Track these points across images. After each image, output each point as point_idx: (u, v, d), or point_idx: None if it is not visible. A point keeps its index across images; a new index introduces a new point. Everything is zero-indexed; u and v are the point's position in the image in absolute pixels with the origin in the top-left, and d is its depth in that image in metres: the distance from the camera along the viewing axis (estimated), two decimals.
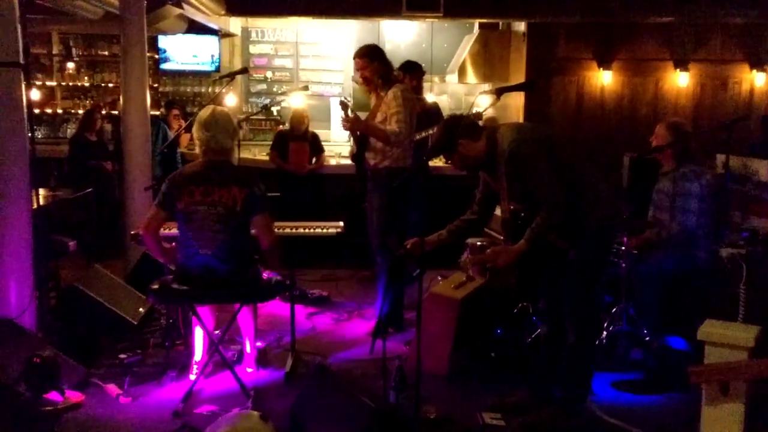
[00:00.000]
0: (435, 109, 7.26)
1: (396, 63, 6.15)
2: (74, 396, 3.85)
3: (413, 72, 6.76)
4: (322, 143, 8.07)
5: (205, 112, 4.33)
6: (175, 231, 4.54)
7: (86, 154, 8.26)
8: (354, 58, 5.61)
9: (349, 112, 5.50)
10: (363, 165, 5.63)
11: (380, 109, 5.44)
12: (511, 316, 5.08)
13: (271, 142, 8.17)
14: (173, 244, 4.44)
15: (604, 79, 9.13)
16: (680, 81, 9.10)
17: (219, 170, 4.21)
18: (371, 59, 5.44)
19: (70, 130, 9.94)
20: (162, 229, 4.65)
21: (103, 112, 10.33)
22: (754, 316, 3.95)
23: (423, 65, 7.07)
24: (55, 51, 10.36)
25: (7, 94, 4.40)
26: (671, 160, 4.96)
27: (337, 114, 5.83)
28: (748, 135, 8.36)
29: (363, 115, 5.70)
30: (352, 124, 5.49)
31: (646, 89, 9.25)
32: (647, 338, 4.83)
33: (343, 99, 5.85)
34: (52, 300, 5.29)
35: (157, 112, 9.09)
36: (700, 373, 3.37)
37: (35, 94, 9.23)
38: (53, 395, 3.64)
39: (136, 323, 5.12)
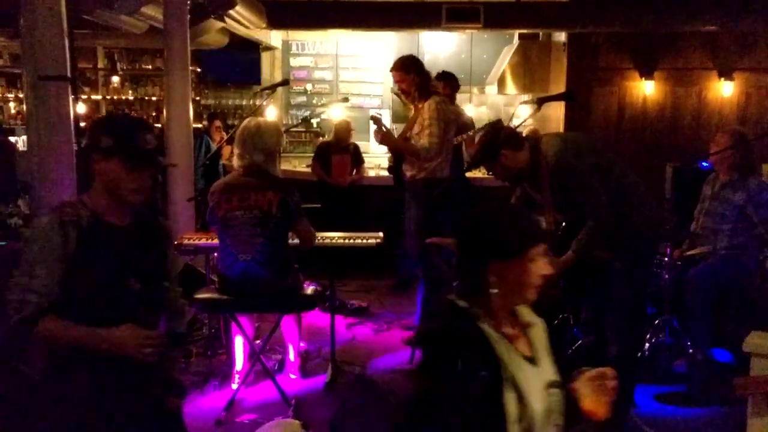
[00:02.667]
0: (471, 124, 7.23)
1: (435, 74, 6.16)
2: None
3: (448, 80, 6.72)
4: (363, 155, 8.11)
5: (249, 123, 4.38)
6: (204, 242, 4.64)
7: None
8: (391, 71, 5.63)
9: (383, 127, 5.52)
10: (401, 176, 5.64)
11: (417, 121, 5.45)
12: (552, 327, 5.03)
13: (310, 154, 8.22)
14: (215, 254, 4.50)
15: (646, 89, 9.03)
16: (724, 90, 8.97)
17: (255, 177, 4.26)
18: (407, 72, 5.45)
19: None
20: (189, 240, 4.76)
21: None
22: None
23: (461, 76, 7.05)
24: (100, 65, 10.58)
25: (55, 106, 4.47)
26: (729, 169, 4.84)
27: (374, 127, 5.86)
28: None
29: (401, 127, 5.71)
30: (383, 139, 5.52)
31: (689, 99, 9.14)
32: (690, 350, 4.75)
33: (374, 113, 5.88)
34: None
35: (200, 125, 9.20)
36: (745, 385, 3.30)
37: (81, 108, 9.38)
38: None
39: (178, 332, 5.17)
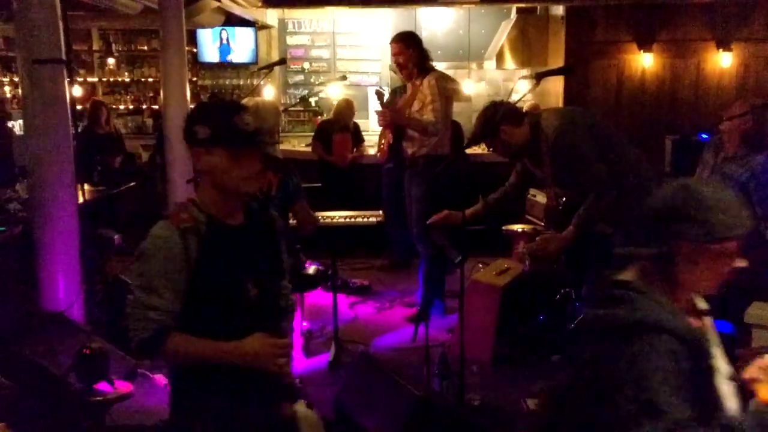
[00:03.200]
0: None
1: (433, 50, 6.13)
2: (123, 386, 3.91)
3: None
4: (363, 133, 8.09)
5: (249, 103, 4.37)
6: None
7: (92, 148, 8.17)
8: (390, 43, 5.61)
9: (386, 100, 5.51)
10: (401, 154, 5.63)
11: (417, 98, 5.43)
12: (553, 302, 5.05)
13: (309, 134, 8.19)
14: None
15: (644, 62, 8.99)
16: (723, 62, 8.92)
17: None
18: (407, 45, 5.44)
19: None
20: None
21: (144, 106, 10.49)
22: None
23: (459, 52, 6.99)
24: (95, 47, 10.51)
25: (50, 90, 4.44)
26: (739, 140, 4.68)
27: (374, 104, 5.84)
28: None
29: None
30: (391, 116, 5.49)
31: (687, 71, 9.09)
32: None
33: (378, 88, 5.86)
34: (99, 293, 5.38)
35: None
36: (748, 356, 3.31)
37: (77, 90, 9.32)
38: (103, 386, 3.70)
39: None
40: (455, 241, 4.04)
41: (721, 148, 4.82)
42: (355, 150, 7.81)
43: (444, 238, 4.09)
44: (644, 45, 8.95)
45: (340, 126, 7.65)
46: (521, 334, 4.90)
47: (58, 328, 4.19)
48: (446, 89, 5.43)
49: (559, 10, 9.21)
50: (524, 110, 4.30)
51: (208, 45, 9.92)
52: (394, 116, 5.49)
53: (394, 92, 6.64)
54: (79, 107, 6.84)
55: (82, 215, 4.71)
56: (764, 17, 8.92)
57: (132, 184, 6.90)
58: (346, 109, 7.68)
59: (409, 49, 5.43)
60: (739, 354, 3.27)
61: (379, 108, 5.63)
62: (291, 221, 4.44)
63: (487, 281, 4.88)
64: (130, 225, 6.78)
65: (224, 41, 9.85)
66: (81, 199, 4.84)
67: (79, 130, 8.38)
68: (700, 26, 8.98)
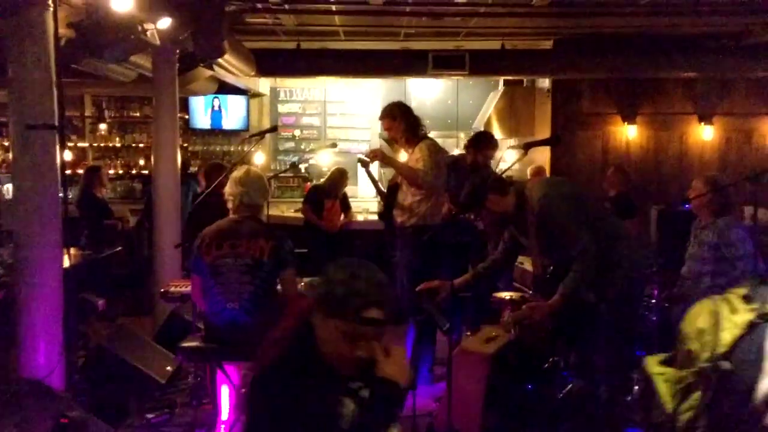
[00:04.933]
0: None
1: (422, 119, 6.21)
2: None
3: (479, 146, 6.14)
4: (350, 200, 8.15)
5: (239, 171, 4.43)
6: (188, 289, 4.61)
7: (95, 213, 8.21)
8: (379, 119, 5.68)
9: (369, 169, 5.57)
10: (391, 222, 5.65)
11: (409, 163, 5.48)
12: (542, 371, 5.01)
13: (298, 199, 8.24)
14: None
15: (628, 134, 9.14)
16: (705, 135, 9.10)
17: (247, 224, 4.26)
18: (393, 117, 5.51)
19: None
20: (176, 287, 4.74)
21: (134, 171, 10.53)
22: None
23: (448, 122, 7.08)
24: (87, 113, 10.60)
25: (42, 155, 4.45)
26: (708, 214, 4.90)
27: (363, 171, 5.90)
28: None
29: (388, 171, 5.75)
30: (381, 154, 5.53)
31: (671, 143, 9.25)
32: None
33: (360, 156, 5.91)
34: (80, 359, 5.30)
35: (188, 171, 9.20)
36: None
37: (68, 155, 9.37)
38: None
39: (164, 382, 5.10)
40: (444, 309, 4.02)
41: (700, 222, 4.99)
42: (343, 216, 7.85)
43: (434, 306, 4.08)
44: (628, 117, 9.12)
45: (332, 193, 7.69)
46: (510, 403, 4.84)
47: (37, 396, 4.12)
48: (437, 155, 5.48)
49: (545, 83, 9.40)
50: (513, 179, 4.35)
51: (200, 111, 10.03)
52: (382, 156, 5.53)
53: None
54: (68, 172, 6.89)
55: (66, 280, 4.67)
56: (744, 92, 9.14)
57: (119, 248, 6.88)
58: (340, 178, 7.75)
59: (396, 120, 5.49)
60: None
61: (366, 176, 5.67)
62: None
63: (475, 349, 4.83)
64: (114, 290, 6.73)
65: (216, 108, 9.96)
66: (67, 264, 4.80)
67: (72, 195, 8.48)
68: (681, 100, 9.19)
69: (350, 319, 2.12)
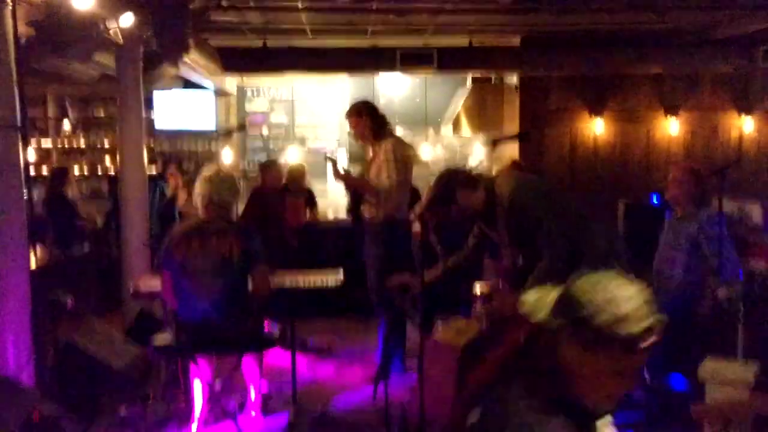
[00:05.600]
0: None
1: (391, 116, 6.24)
2: None
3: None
4: (317, 197, 8.12)
5: (210, 170, 4.46)
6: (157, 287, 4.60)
7: (67, 213, 8.13)
8: (346, 118, 5.72)
9: (339, 168, 5.59)
10: (359, 218, 5.67)
11: (375, 162, 5.51)
12: None
13: None
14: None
15: (596, 128, 9.24)
16: (671, 128, 9.22)
17: (216, 223, 4.27)
18: (359, 114, 5.54)
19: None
20: (145, 285, 4.74)
21: (99, 172, 10.41)
22: (752, 353, 3.94)
23: (417, 119, 7.08)
24: (50, 112, 10.45)
25: (4, 156, 4.39)
26: (690, 204, 4.94)
27: (331, 168, 5.92)
28: (741, 178, 8.45)
29: (357, 166, 5.77)
30: (343, 177, 5.59)
31: (638, 137, 9.37)
32: (647, 378, 4.80)
33: (328, 155, 5.93)
34: (50, 357, 5.25)
35: (154, 171, 9.12)
36: (702, 412, 3.35)
37: (31, 155, 9.24)
38: None
39: (135, 377, 5.06)
40: (414, 302, 4.04)
41: (675, 215, 5.03)
42: (308, 213, 7.80)
43: (403, 299, 4.10)
44: (595, 112, 9.23)
45: (293, 191, 7.63)
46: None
47: (7, 394, 4.07)
48: (403, 155, 5.51)
49: (513, 79, 9.47)
50: (500, 170, 4.37)
51: (166, 111, 9.94)
52: (344, 179, 5.58)
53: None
54: (32, 172, 6.82)
55: (34, 278, 4.62)
56: (710, 86, 9.28)
57: (87, 248, 6.81)
58: (300, 175, 7.70)
59: (362, 118, 5.53)
60: (692, 409, 3.32)
61: (333, 172, 5.71)
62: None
63: (447, 340, 4.87)
64: (83, 288, 6.67)
65: (182, 107, 9.89)
66: (34, 263, 4.75)
67: (39, 195, 8.38)
68: (648, 94, 9.31)
69: (621, 350, 1.68)
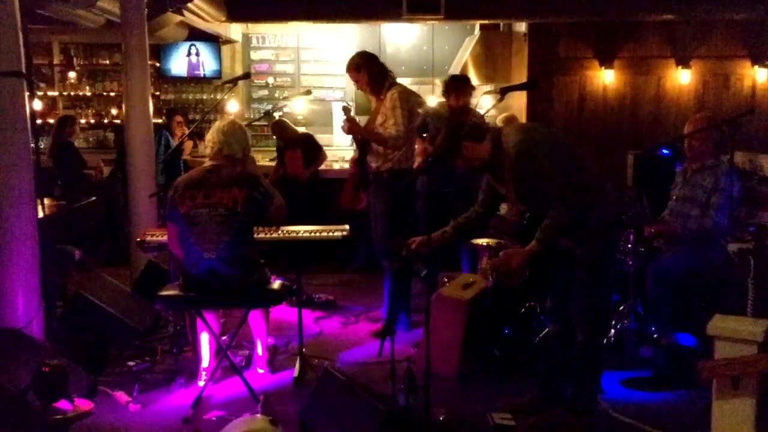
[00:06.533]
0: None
1: (397, 66, 6.15)
2: (83, 404, 3.84)
3: (458, 89, 6.02)
4: (324, 147, 8.01)
5: (224, 120, 4.49)
6: (165, 238, 4.60)
7: (77, 162, 8.13)
8: (345, 72, 5.65)
9: (351, 115, 5.54)
10: (366, 169, 5.63)
11: (380, 112, 5.45)
12: (518, 316, 5.07)
13: (273, 148, 8.16)
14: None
15: (605, 78, 9.11)
16: (682, 78, 9.08)
17: (220, 173, 4.25)
18: (357, 69, 5.47)
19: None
20: (152, 236, 4.74)
21: (105, 121, 10.37)
22: (762, 310, 3.93)
23: (424, 68, 6.97)
24: (56, 61, 10.35)
25: (10, 103, 4.35)
26: (710, 153, 4.88)
27: (339, 118, 5.85)
28: (753, 130, 8.36)
29: (364, 118, 5.71)
30: (350, 129, 5.53)
31: (648, 87, 9.23)
32: (655, 335, 4.81)
33: (345, 104, 5.86)
34: (58, 309, 5.28)
35: (159, 120, 9.06)
36: (710, 369, 3.36)
37: (37, 104, 9.18)
38: (62, 404, 3.63)
39: (143, 330, 5.11)
40: (419, 254, 4.02)
41: (689, 166, 4.96)
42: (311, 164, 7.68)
43: (410, 252, 4.07)
44: (605, 61, 9.08)
45: (286, 143, 7.48)
46: (487, 348, 4.90)
47: (16, 346, 4.11)
48: (408, 102, 5.44)
49: (521, 26, 9.32)
50: (490, 125, 4.31)
51: (174, 59, 9.88)
52: (351, 130, 5.52)
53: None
54: (38, 121, 6.76)
55: (41, 230, 4.63)
56: (722, 35, 9.10)
57: (93, 198, 6.80)
58: (279, 129, 7.59)
59: (360, 72, 5.45)
60: (701, 366, 3.32)
61: (343, 122, 5.65)
62: (257, 235, 4.43)
63: (453, 295, 4.88)
64: (90, 240, 6.69)
65: (190, 55, 9.84)
66: (41, 214, 4.75)
67: (46, 144, 8.38)
68: (659, 43, 9.13)
69: None
